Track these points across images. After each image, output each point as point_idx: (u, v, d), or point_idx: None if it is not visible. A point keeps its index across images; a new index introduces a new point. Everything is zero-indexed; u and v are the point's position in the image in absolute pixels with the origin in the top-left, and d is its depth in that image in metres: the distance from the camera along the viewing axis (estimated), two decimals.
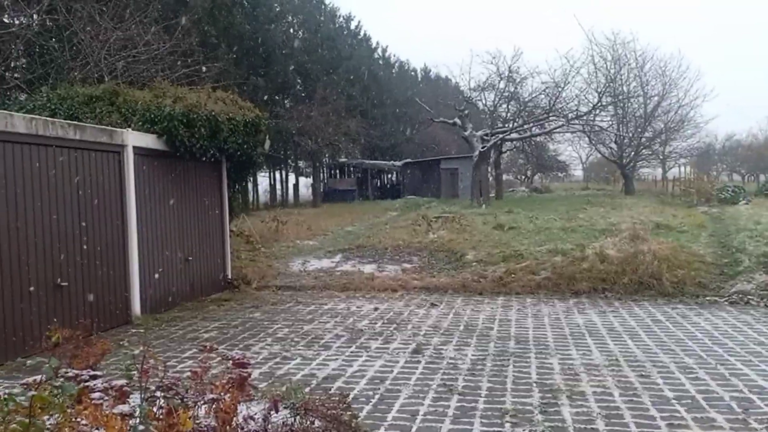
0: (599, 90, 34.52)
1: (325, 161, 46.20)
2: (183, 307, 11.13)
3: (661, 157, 47.72)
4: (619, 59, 37.72)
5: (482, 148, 30.47)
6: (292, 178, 49.48)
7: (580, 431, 5.02)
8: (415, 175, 44.32)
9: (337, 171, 51.39)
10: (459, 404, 5.71)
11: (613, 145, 40.98)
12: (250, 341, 8.50)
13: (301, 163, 47.62)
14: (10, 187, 7.63)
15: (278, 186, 46.93)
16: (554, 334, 8.50)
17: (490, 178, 38.31)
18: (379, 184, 52.64)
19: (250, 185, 36.15)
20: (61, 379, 2.98)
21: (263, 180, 46.90)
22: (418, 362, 7.20)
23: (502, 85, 32.76)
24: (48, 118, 8.65)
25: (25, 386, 3.17)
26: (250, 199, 37.18)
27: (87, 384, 2.67)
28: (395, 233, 18.11)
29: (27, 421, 2.14)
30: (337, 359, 7.46)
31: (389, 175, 54.72)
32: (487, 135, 31.49)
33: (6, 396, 2.16)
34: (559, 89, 31.26)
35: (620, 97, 37.41)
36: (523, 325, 9.10)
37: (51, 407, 2.46)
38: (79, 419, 3.31)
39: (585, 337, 8.31)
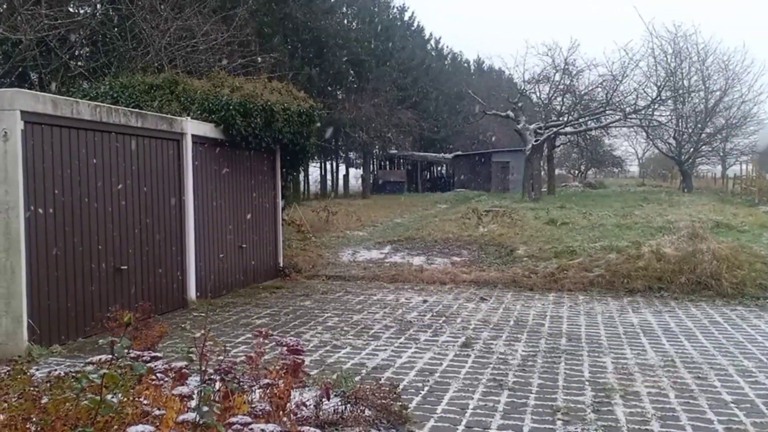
0: (659, 84, 33.60)
1: (376, 153, 46.29)
2: (236, 293, 11.36)
3: (721, 154, 46.15)
4: (680, 52, 36.57)
5: (535, 141, 30.06)
6: (342, 169, 49.84)
7: None
8: (466, 168, 44.04)
9: (387, 162, 51.48)
10: (509, 400, 5.67)
11: (672, 141, 39.79)
12: (301, 329, 8.62)
13: (351, 155, 47.88)
14: (74, 172, 7.90)
15: (328, 177, 47.33)
16: (607, 332, 8.34)
17: (542, 173, 37.77)
18: (428, 176, 52.54)
19: (301, 176, 36.56)
20: (129, 359, 3.08)
21: (314, 170, 47.37)
22: (468, 356, 7.17)
23: (557, 77, 32.20)
24: (111, 106, 8.91)
25: (92, 365, 3.30)
26: (301, 189, 37.60)
27: (148, 364, 2.75)
28: (445, 226, 18.05)
29: (98, 398, 2.22)
30: (386, 350, 7.49)
31: (439, 168, 54.56)
32: (540, 128, 31.04)
33: (80, 374, 2.25)
34: (617, 82, 30.57)
35: (680, 91, 36.28)
36: (575, 322, 8.96)
37: (118, 386, 2.55)
38: (140, 398, 3.42)
39: (639, 336, 8.12)
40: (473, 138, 50.29)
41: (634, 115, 31.75)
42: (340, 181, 47.51)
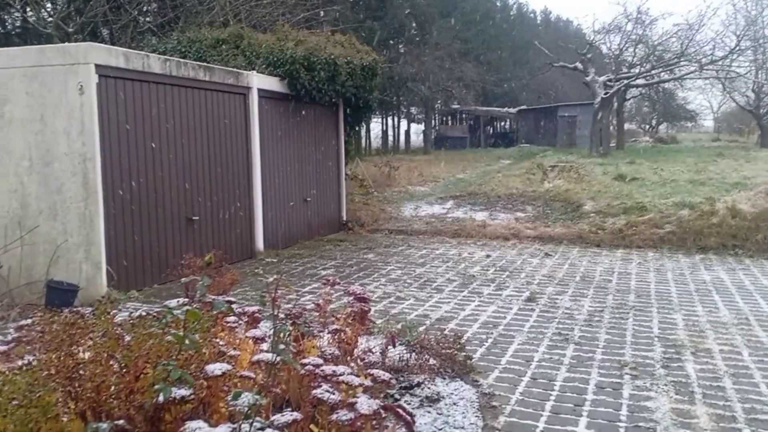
0: (738, 33, 31.72)
1: (438, 107, 45.76)
2: (301, 245, 11.58)
3: None
4: None
5: (604, 94, 29.04)
6: (403, 124, 49.58)
7: (705, 388, 4.81)
8: (530, 123, 43.03)
9: (449, 118, 50.85)
10: (575, 353, 5.62)
11: (750, 94, 37.77)
12: (365, 280, 8.73)
13: (413, 110, 47.49)
14: (146, 125, 8.13)
15: (390, 132, 47.17)
16: (678, 289, 8.12)
17: (611, 127, 36.56)
18: (491, 131, 51.67)
19: (362, 131, 36.54)
20: (206, 301, 3.19)
21: (375, 126, 47.33)
22: (532, 310, 7.12)
23: (629, 27, 30.88)
24: (180, 59, 9.07)
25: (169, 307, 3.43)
26: (363, 144, 37.65)
27: (222, 309, 2.84)
28: (508, 181, 17.81)
29: (181, 334, 2.32)
30: (449, 302, 7.52)
31: (502, 123, 53.56)
32: (610, 80, 29.95)
33: (164, 310, 2.35)
34: (693, 32, 29.03)
35: (761, 41, 34.18)
36: (644, 279, 8.75)
37: (199, 322, 2.65)
38: (216, 340, 3.56)
39: (712, 294, 7.87)
40: (539, 92, 48.96)
41: (710, 67, 30.16)
42: (402, 137, 47.31)
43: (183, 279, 2.68)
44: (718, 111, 61.90)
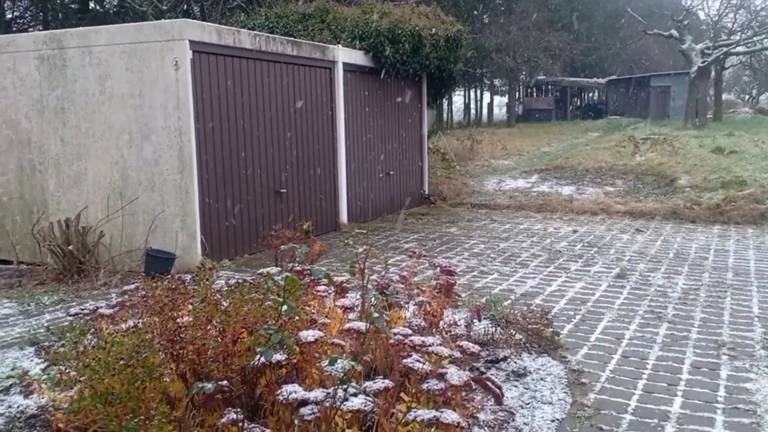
0: None
1: (522, 79, 44.62)
2: (384, 218, 11.68)
3: None
4: None
5: (702, 63, 27.49)
6: (486, 97, 48.69)
7: None
8: (620, 94, 41.32)
9: (534, 89, 49.53)
10: (668, 332, 5.42)
11: None
12: (448, 254, 8.72)
13: (496, 82, 46.54)
14: (237, 100, 8.35)
15: (472, 105, 46.50)
16: None
17: (708, 98, 34.60)
18: (579, 103, 50.05)
19: (444, 104, 36.20)
20: (296, 271, 3.27)
21: (457, 99, 46.74)
22: (623, 287, 6.91)
23: None
24: (269, 35, 9.23)
25: (262, 276, 3.54)
26: (445, 118, 37.32)
27: (320, 276, 2.91)
28: (597, 155, 17.23)
29: (280, 299, 2.39)
30: (534, 278, 7.41)
31: (590, 94, 51.77)
32: (708, 48, 28.30)
33: (266, 275, 2.43)
34: None
35: None
36: (743, 256, 8.31)
37: (297, 288, 2.71)
38: (307, 307, 3.65)
39: None
40: (630, 61, 46.85)
41: None
42: (484, 110, 46.55)
43: (282, 246, 2.75)
44: None
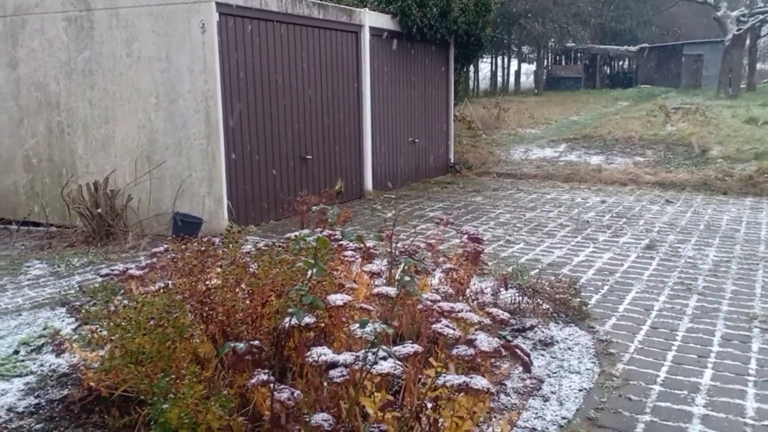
0: None
1: (551, 46, 43.77)
2: (409, 186, 11.62)
3: None
4: None
5: (737, 31, 26.69)
6: (513, 64, 47.91)
7: None
8: (651, 62, 40.33)
9: (563, 57, 48.57)
10: (699, 304, 5.34)
11: None
12: (474, 223, 8.65)
13: (524, 49, 45.73)
14: (263, 63, 8.29)
15: (498, 73, 45.80)
16: None
17: (742, 67, 33.64)
18: (608, 71, 49.01)
19: (470, 71, 35.64)
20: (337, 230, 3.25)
21: (483, 66, 46.04)
22: (652, 258, 6.81)
23: None
24: None
25: (290, 240, 3.53)
26: (471, 85, 36.81)
27: (352, 239, 2.87)
28: (626, 124, 16.92)
29: (311, 261, 2.37)
30: (562, 248, 7.33)
31: (620, 62, 50.64)
32: (743, 16, 27.45)
33: (299, 236, 2.42)
34: None
35: None
36: None
37: (328, 250, 2.69)
38: (335, 272, 3.64)
39: None
40: (662, 29, 45.65)
41: None
42: (511, 78, 45.85)
43: (314, 207, 2.73)
44: None
